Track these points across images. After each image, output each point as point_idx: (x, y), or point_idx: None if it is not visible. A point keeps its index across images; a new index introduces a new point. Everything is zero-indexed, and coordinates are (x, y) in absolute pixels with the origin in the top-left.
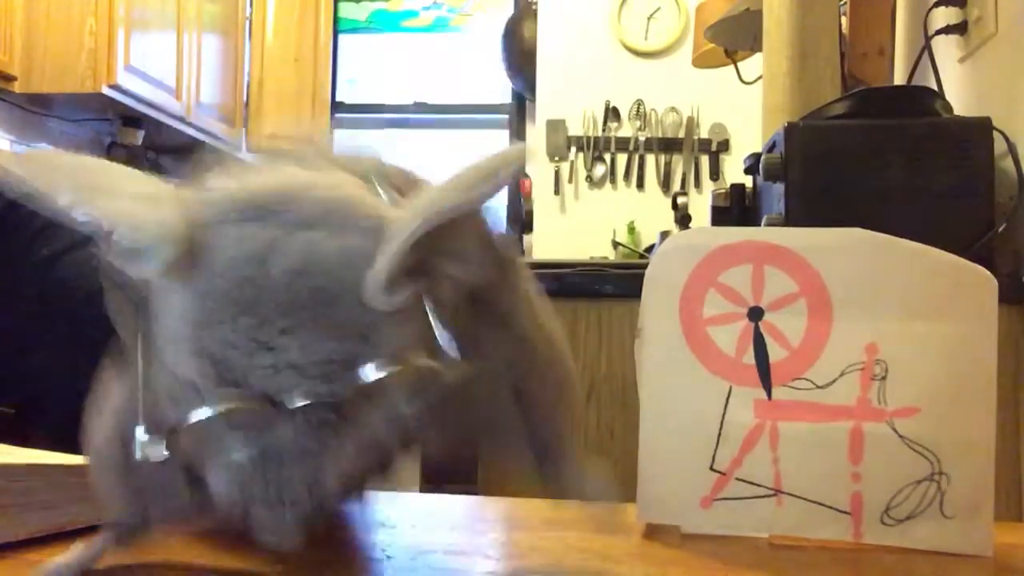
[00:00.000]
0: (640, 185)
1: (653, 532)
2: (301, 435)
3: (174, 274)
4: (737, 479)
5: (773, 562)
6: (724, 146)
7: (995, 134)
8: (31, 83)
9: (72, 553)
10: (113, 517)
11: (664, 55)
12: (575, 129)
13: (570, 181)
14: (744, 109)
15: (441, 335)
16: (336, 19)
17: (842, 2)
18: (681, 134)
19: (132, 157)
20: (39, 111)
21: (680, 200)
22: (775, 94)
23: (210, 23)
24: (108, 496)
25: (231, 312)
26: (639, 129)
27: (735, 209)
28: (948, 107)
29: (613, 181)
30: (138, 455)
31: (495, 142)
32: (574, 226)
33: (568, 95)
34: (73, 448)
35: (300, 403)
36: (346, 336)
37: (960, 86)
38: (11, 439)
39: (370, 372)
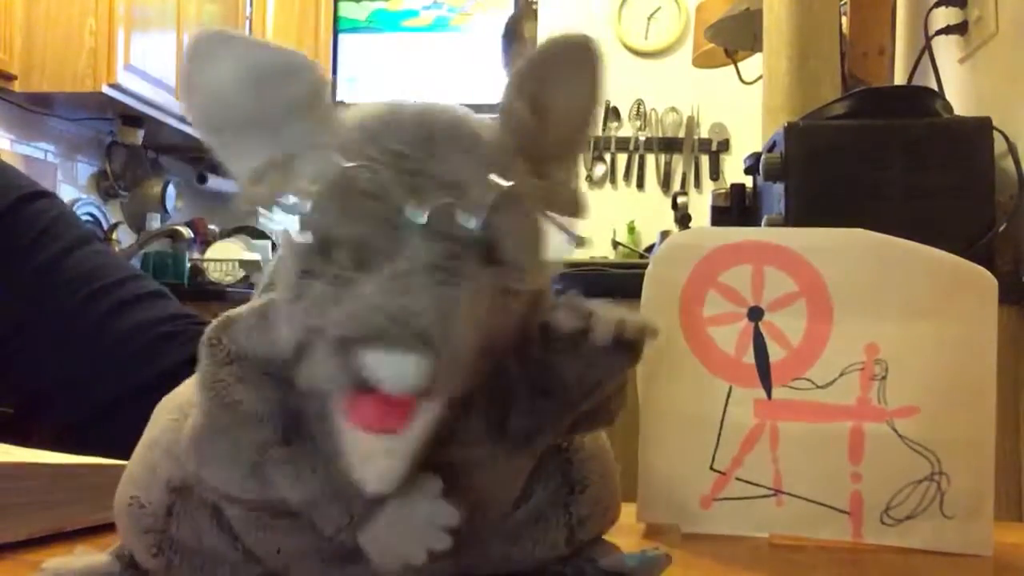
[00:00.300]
0: (640, 185)
1: (653, 532)
2: (431, 254)
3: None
4: (737, 479)
5: (773, 562)
6: (724, 146)
7: (995, 134)
8: (31, 82)
9: (71, 561)
10: (131, 555)
11: (664, 55)
12: None
13: None
14: (744, 109)
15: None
16: (336, 19)
17: (842, 2)
18: (681, 134)
19: (132, 156)
20: (39, 110)
21: (680, 200)
22: (775, 94)
23: (210, 23)
24: (133, 543)
25: (372, 136)
26: (639, 129)
27: (735, 209)
28: (948, 107)
29: (613, 181)
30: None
31: None
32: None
33: None
34: (73, 448)
35: (431, 214)
36: (481, 163)
37: (960, 86)
38: (11, 439)
39: (501, 191)
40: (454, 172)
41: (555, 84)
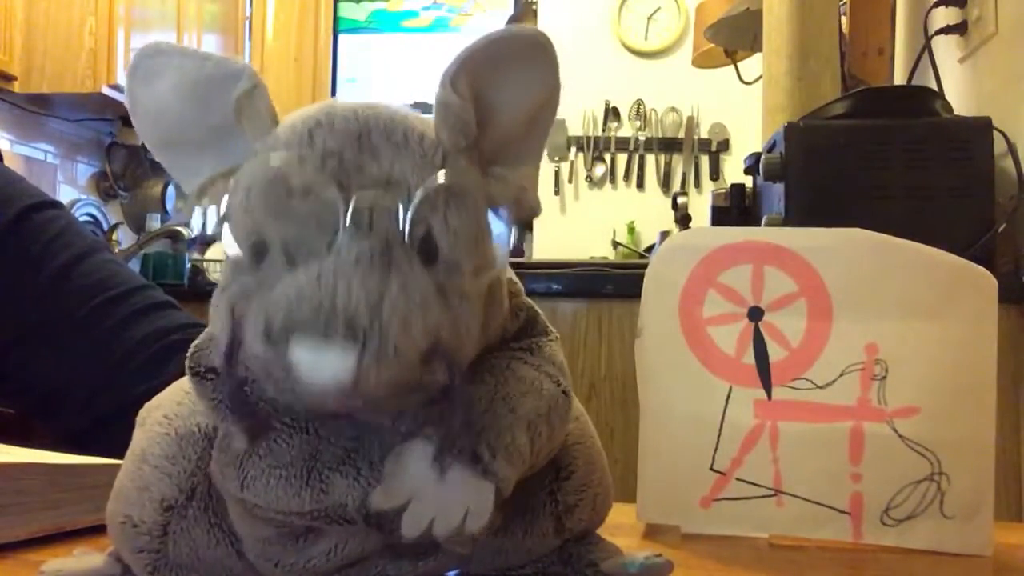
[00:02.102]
0: (640, 185)
1: (653, 532)
2: (361, 249)
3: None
4: (737, 479)
5: (773, 562)
6: (724, 146)
7: (995, 134)
8: (31, 83)
9: (72, 562)
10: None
11: (664, 55)
12: (575, 129)
13: (570, 181)
14: (744, 109)
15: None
16: (336, 19)
17: (842, 2)
18: (681, 134)
19: (132, 157)
20: (39, 111)
21: (680, 200)
22: (775, 94)
23: (210, 23)
24: (129, 560)
25: (303, 137)
26: (639, 129)
27: (735, 209)
28: (948, 107)
29: (613, 181)
30: None
31: None
32: (574, 226)
33: (568, 95)
34: (76, 452)
35: (361, 210)
36: (417, 158)
37: (960, 86)
38: (11, 439)
39: (438, 179)
40: (387, 169)
41: (498, 80)
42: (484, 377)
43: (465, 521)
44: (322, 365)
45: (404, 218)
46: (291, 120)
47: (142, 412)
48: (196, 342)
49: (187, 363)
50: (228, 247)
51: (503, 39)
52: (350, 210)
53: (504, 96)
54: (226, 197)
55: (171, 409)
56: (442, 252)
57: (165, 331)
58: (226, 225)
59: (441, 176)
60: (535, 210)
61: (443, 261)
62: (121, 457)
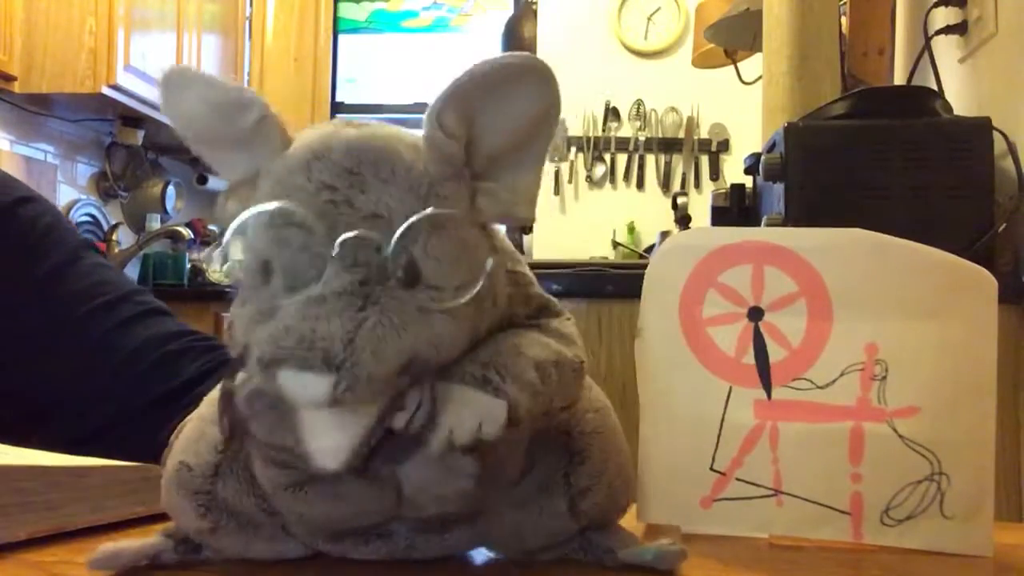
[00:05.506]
0: (640, 185)
1: (653, 532)
2: (342, 281)
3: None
4: (737, 479)
5: (773, 562)
6: (724, 146)
7: (995, 134)
8: (31, 83)
9: (126, 543)
10: (180, 529)
11: (664, 55)
12: (575, 129)
13: (570, 181)
14: (744, 109)
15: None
16: (336, 19)
17: (842, 2)
18: (681, 134)
19: (132, 157)
20: (39, 111)
21: (680, 200)
22: (775, 94)
23: (210, 23)
24: (182, 508)
25: (303, 167)
26: (639, 129)
27: (735, 209)
28: (948, 107)
29: (613, 181)
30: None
31: None
32: (574, 226)
33: (568, 95)
34: (76, 453)
35: (345, 244)
36: (403, 191)
37: (960, 86)
38: (11, 439)
39: (424, 219)
40: (375, 203)
41: (486, 106)
42: (489, 338)
43: (481, 428)
44: (304, 390)
45: (386, 250)
46: (300, 143)
47: (205, 398)
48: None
49: (224, 328)
50: (242, 261)
51: (489, 70)
52: (336, 245)
53: (494, 118)
54: (241, 216)
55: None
56: (424, 276)
57: (161, 339)
58: (241, 241)
59: (425, 207)
60: (527, 221)
61: (425, 284)
62: (131, 459)
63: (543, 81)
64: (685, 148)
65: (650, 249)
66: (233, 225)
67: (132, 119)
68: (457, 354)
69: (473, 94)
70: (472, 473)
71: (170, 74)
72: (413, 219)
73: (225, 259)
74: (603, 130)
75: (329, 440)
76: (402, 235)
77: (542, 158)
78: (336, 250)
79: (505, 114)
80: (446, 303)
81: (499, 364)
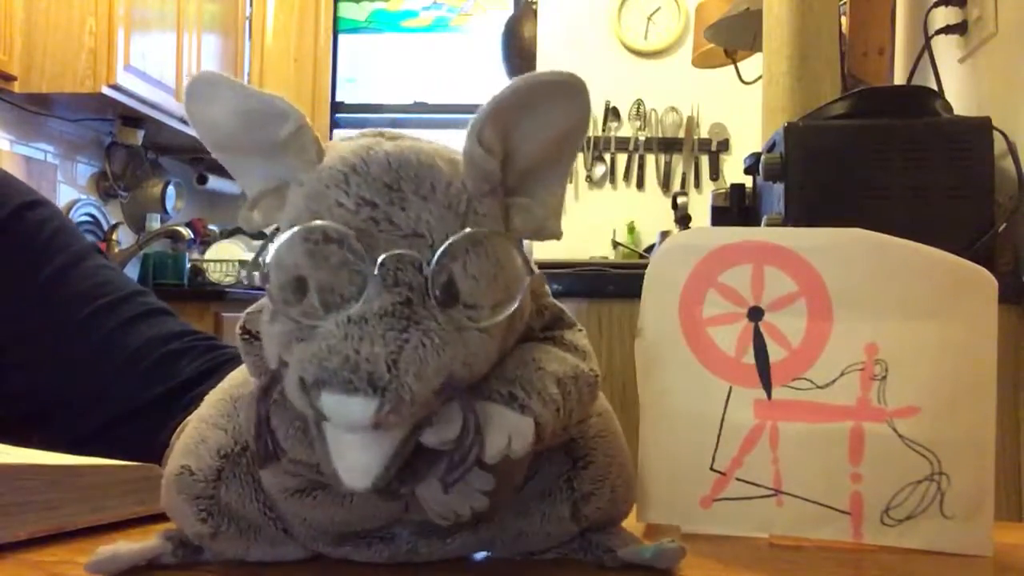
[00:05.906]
0: (640, 185)
1: (653, 532)
2: (384, 302)
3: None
4: (737, 479)
5: (773, 562)
6: (724, 146)
7: (995, 134)
8: (31, 83)
9: (125, 545)
10: (180, 531)
11: (664, 55)
12: None
13: (570, 181)
14: (744, 109)
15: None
16: (336, 19)
17: (842, 2)
18: (681, 134)
19: (132, 157)
20: (39, 111)
21: (680, 200)
22: (775, 94)
23: (210, 23)
24: (183, 512)
25: (341, 181)
26: (639, 129)
27: (735, 209)
28: (948, 107)
29: (613, 181)
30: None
31: None
32: (574, 226)
33: None
34: (78, 453)
35: (387, 264)
36: (442, 208)
37: (960, 86)
38: (12, 439)
39: (462, 240)
40: (415, 221)
41: (523, 123)
42: (511, 354)
43: (511, 444)
44: (348, 412)
45: (427, 270)
46: (336, 155)
47: (205, 398)
48: (249, 309)
49: (237, 327)
50: (274, 276)
51: (528, 87)
52: (377, 264)
53: (528, 133)
54: (279, 220)
55: (227, 383)
56: (463, 295)
57: (163, 339)
58: (273, 253)
59: (464, 226)
60: (556, 235)
61: (463, 303)
62: (131, 459)
63: (577, 95)
64: (685, 148)
65: (650, 249)
66: (278, 241)
67: (132, 119)
68: (487, 371)
69: (511, 111)
70: (488, 489)
71: (198, 79)
72: (454, 238)
73: (266, 276)
74: (603, 130)
75: (358, 460)
76: (442, 254)
77: (569, 172)
78: (377, 269)
79: (539, 129)
80: (482, 322)
81: (524, 381)
